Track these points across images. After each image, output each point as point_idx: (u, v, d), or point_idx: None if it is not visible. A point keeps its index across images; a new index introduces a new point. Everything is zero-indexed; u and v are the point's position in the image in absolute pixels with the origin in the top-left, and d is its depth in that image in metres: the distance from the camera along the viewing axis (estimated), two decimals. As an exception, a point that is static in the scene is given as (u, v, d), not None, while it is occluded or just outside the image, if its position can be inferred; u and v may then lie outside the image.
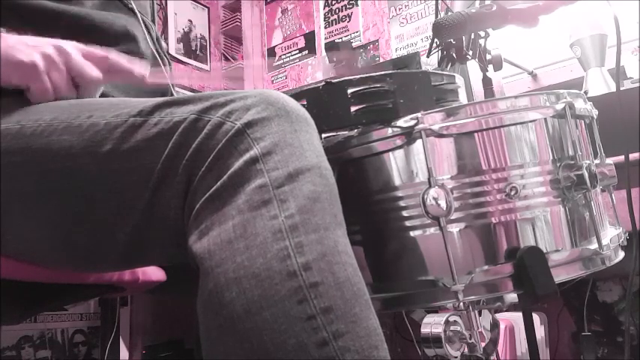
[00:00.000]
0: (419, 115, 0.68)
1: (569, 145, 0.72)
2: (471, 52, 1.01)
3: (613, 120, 0.91)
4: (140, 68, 0.70)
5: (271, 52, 2.84)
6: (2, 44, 0.63)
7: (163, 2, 2.60)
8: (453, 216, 0.67)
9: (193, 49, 2.73)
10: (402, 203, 0.70)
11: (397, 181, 0.70)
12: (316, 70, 2.59)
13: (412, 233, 0.69)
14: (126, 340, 1.88)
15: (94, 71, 0.67)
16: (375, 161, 0.72)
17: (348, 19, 2.56)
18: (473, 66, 1.02)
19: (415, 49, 2.31)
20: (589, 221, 0.71)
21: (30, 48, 0.65)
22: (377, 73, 0.71)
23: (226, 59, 2.91)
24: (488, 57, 1.05)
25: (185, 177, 0.56)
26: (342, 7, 2.59)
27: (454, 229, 0.68)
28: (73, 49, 0.67)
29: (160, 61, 0.91)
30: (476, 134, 0.69)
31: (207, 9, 2.86)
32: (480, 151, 0.69)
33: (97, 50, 0.69)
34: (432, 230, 0.68)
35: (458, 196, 0.67)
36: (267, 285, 0.49)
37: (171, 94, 0.95)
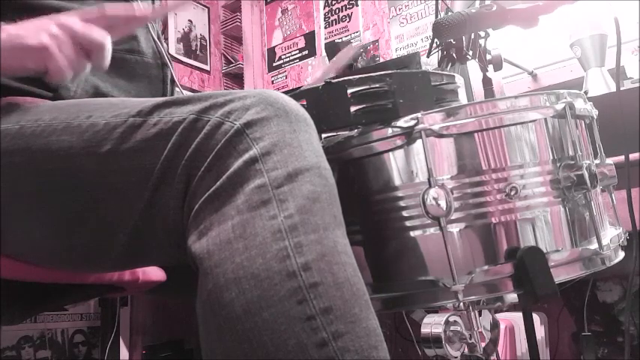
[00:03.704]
0: (419, 115, 0.68)
1: (569, 145, 0.71)
2: (471, 52, 1.01)
3: (613, 120, 0.91)
4: (139, 10, 0.69)
5: (271, 52, 2.84)
6: (4, 35, 0.63)
7: (163, 2, 2.59)
8: (453, 216, 0.67)
9: (193, 49, 2.73)
10: (402, 203, 0.69)
11: (397, 181, 0.70)
12: (316, 70, 2.59)
13: (412, 233, 0.69)
14: (126, 340, 1.88)
15: (99, 33, 0.66)
16: (375, 161, 0.72)
17: (348, 19, 2.56)
18: (473, 66, 1.02)
19: (415, 49, 2.31)
20: (589, 221, 0.71)
21: (34, 31, 0.64)
22: (377, 73, 0.71)
23: (226, 59, 2.91)
24: (488, 57, 1.05)
25: (184, 177, 0.56)
26: (342, 7, 2.59)
27: (454, 229, 0.68)
28: (73, 20, 0.66)
29: (161, 60, 0.91)
30: (476, 134, 0.69)
31: (207, 9, 2.86)
32: (479, 151, 0.68)
33: (91, 12, 0.68)
34: (432, 230, 0.68)
35: (458, 196, 0.67)
36: (266, 285, 0.49)
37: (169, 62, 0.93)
